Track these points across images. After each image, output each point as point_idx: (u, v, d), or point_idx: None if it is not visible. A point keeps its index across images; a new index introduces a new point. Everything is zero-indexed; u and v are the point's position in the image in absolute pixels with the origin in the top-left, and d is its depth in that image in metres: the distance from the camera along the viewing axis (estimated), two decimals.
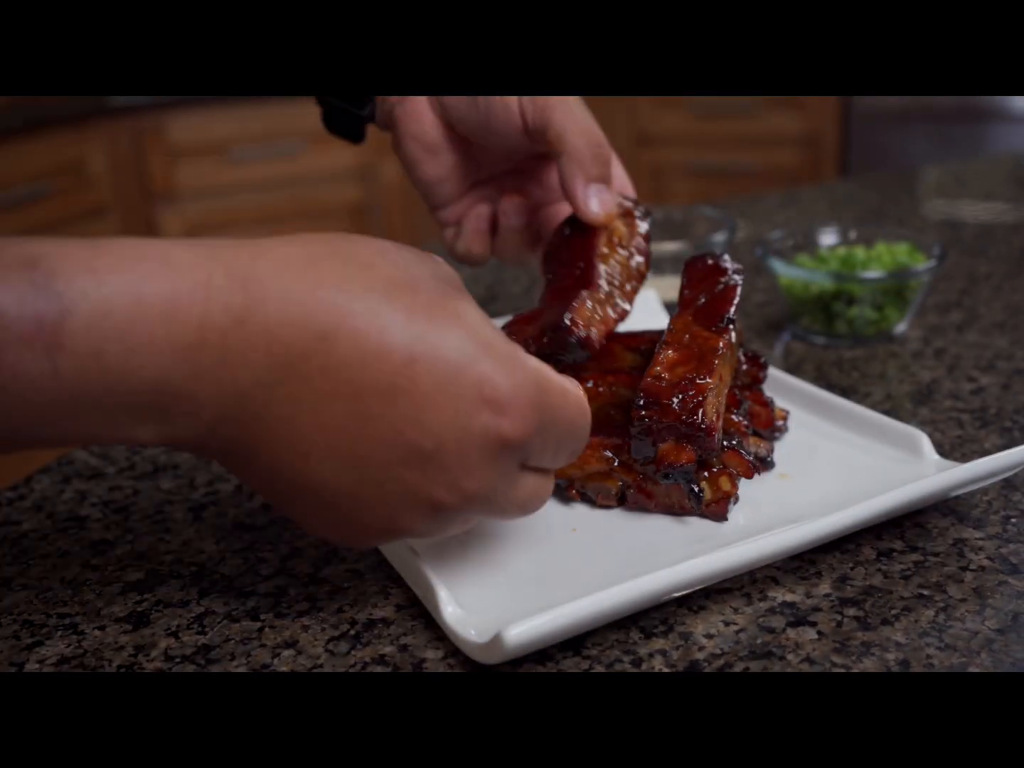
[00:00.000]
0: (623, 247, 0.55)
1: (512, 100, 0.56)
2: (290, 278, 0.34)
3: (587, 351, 0.49)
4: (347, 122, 0.62)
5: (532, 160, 0.60)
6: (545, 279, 0.56)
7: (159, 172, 2.21)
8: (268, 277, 0.34)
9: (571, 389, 0.38)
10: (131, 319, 0.32)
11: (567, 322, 0.48)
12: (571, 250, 0.55)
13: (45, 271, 0.31)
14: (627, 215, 0.56)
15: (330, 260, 0.35)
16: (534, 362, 0.37)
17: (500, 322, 0.64)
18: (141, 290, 0.32)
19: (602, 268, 0.53)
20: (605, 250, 0.54)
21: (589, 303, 0.50)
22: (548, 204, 0.63)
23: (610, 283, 0.52)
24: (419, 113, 0.60)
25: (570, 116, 0.55)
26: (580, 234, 0.55)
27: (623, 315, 0.52)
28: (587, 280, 0.52)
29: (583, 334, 0.48)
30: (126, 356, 0.32)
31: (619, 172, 0.61)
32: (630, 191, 0.61)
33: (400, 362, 0.34)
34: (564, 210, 0.61)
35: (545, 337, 0.49)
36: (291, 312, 0.33)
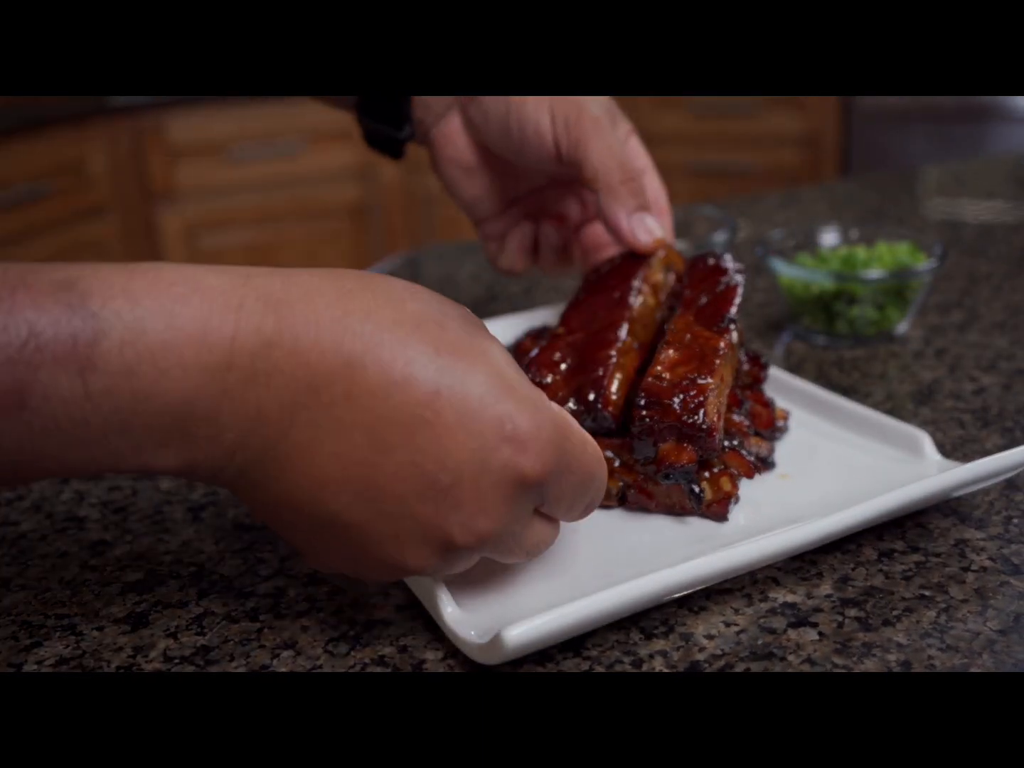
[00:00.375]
0: (655, 294, 0.55)
1: (546, 128, 0.57)
2: (320, 306, 0.34)
3: (612, 423, 0.48)
4: (387, 141, 0.63)
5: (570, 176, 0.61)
6: (583, 281, 0.58)
7: (159, 172, 2.21)
8: (299, 303, 0.34)
9: (590, 440, 0.39)
10: (163, 341, 0.32)
11: (602, 409, 0.47)
12: (615, 273, 0.56)
13: (80, 293, 0.32)
14: (673, 264, 0.58)
15: (361, 292, 0.35)
16: (556, 407, 0.37)
17: (501, 322, 0.64)
18: (174, 312, 0.32)
19: (635, 305, 0.52)
20: (638, 284, 0.54)
21: (619, 374, 0.48)
22: (587, 222, 0.64)
23: (634, 325, 0.52)
24: (454, 136, 0.61)
25: (604, 148, 0.57)
26: (627, 259, 0.57)
27: (640, 365, 0.51)
28: (617, 320, 0.51)
29: (613, 412, 0.47)
30: (157, 377, 0.32)
31: (655, 185, 0.62)
32: (663, 202, 0.62)
33: (424, 395, 0.34)
34: (602, 229, 0.63)
35: (574, 402, 0.48)
36: (319, 338, 0.34)
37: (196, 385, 0.32)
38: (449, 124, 0.62)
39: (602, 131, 0.57)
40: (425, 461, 0.34)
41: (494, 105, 0.59)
